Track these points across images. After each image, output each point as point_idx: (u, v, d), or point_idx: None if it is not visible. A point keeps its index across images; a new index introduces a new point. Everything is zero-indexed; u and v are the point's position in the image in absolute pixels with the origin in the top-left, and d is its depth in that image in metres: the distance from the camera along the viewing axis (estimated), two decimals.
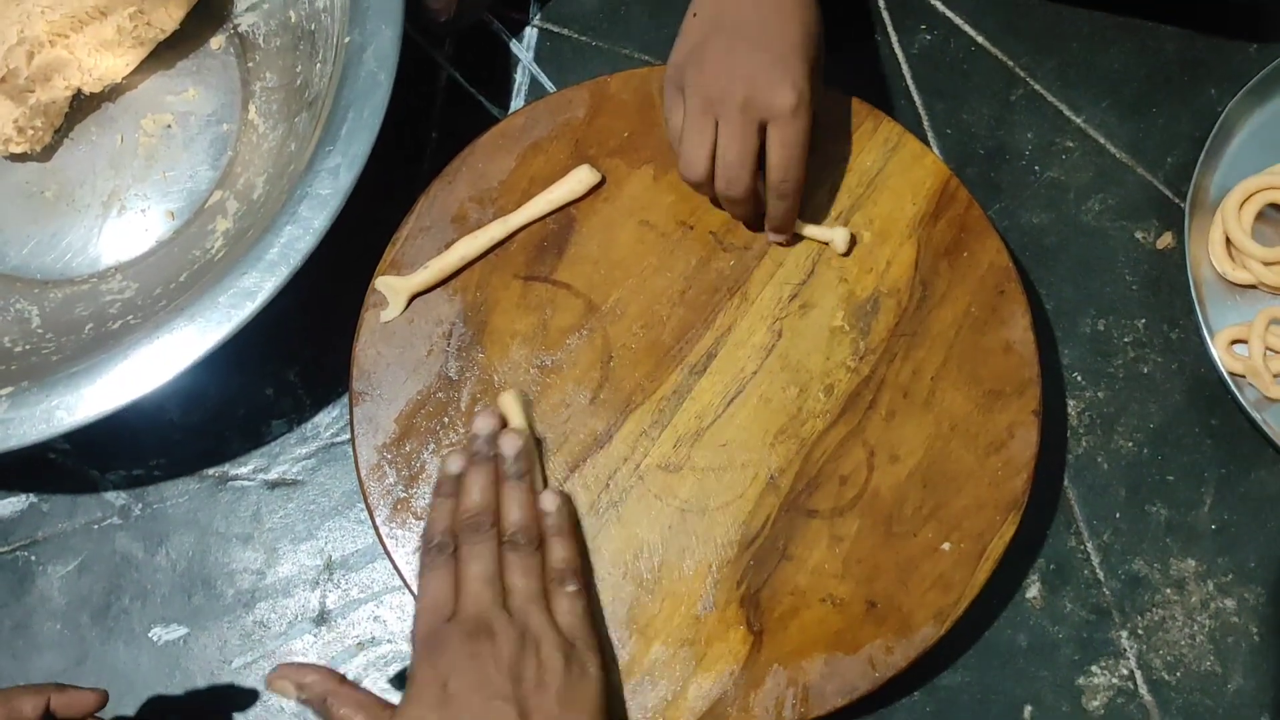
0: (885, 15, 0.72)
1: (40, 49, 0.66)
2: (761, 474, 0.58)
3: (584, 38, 0.72)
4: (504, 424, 0.57)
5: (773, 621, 0.55)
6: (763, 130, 0.55)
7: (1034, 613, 0.62)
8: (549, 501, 0.55)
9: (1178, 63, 0.70)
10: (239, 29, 0.71)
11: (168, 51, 0.70)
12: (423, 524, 0.58)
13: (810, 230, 0.60)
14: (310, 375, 0.66)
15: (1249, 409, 0.61)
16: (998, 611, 0.62)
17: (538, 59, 0.72)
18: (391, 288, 0.60)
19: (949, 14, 0.71)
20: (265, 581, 0.64)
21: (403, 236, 0.62)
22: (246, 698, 0.62)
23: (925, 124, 0.70)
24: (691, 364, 0.59)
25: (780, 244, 0.60)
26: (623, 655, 0.55)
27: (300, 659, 0.62)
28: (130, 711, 0.62)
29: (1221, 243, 0.65)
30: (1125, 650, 0.61)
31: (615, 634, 0.56)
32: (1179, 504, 0.63)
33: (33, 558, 0.65)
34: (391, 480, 0.58)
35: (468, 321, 0.60)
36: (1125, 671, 0.61)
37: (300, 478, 0.65)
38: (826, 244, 0.60)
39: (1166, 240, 0.67)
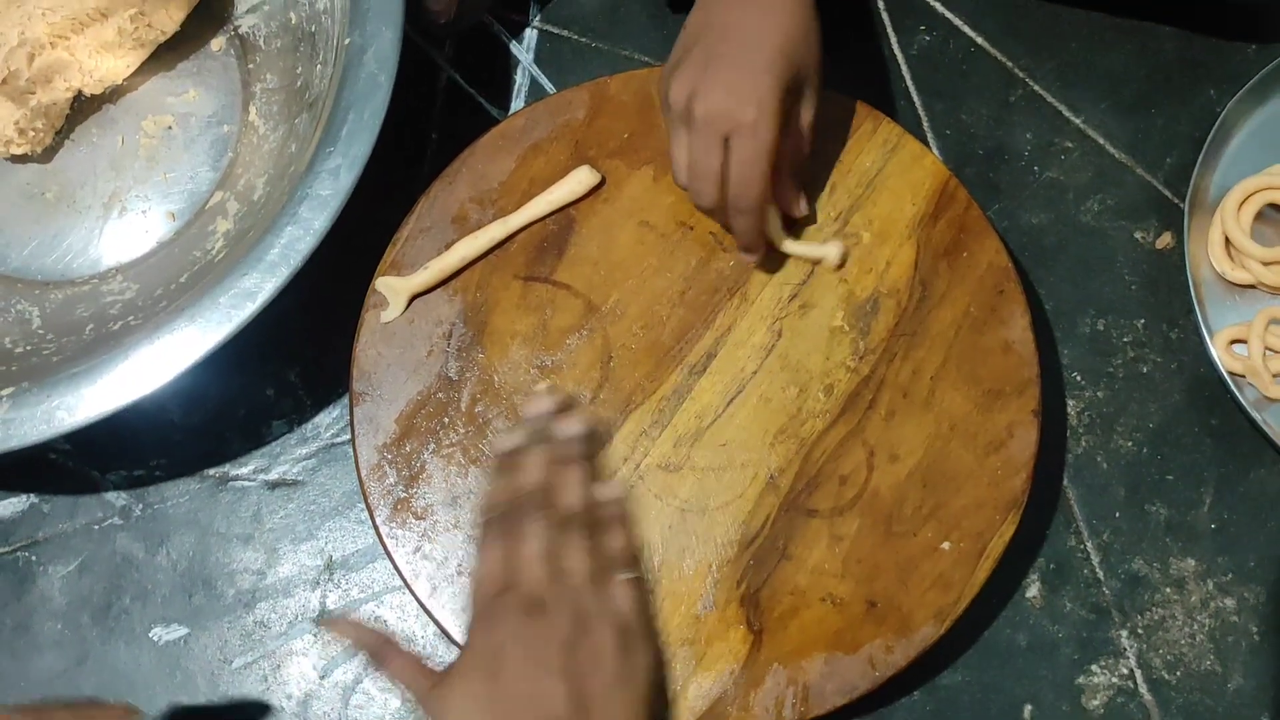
0: (885, 16, 0.72)
1: (41, 51, 0.67)
2: (761, 474, 0.58)
3: (584, 39, 0.72)
4: (563, 405, 0.57)
5: (772, 621, 0.56)
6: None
7: (1034, 612, 0.62)
8: (611, 490, 0.55)
9: (1177, 63, 0.70)
10: (239, 31, 0.71)
11: (168, 53, 0.71)
12: (422, 524, 0.58)
13: (796, 248, 0.60)
14: (311, 376, 0.67)
15: (1248, 408, 0.61)
16: (997, 611, 0.62)
17: (538, 60, 0.72)
18: (392, 288, 0.60)
19: (948, 15, 0.72)
20: (266, 582, 0.64)
21: (403, 237, 0.62)
22: (247, 697, 0.62)
23: (925, 125, 0.70)
24: (691, 364, 0.59)
25: (751, 262, 0.60)
26: None
27: (301, 659, 0.62)
28: None
29: (1221, 243, 0.65)
30: (1125, 649, 0.61)
31: None
32: (1179, 503, 0.63)
33: (33, 558, 0.65)
34: (392, 480, 0.59)
35: (468, 322, 0.61)
36: (1125, 671, 0.61)
37: (301, 478, 0.65)
38: (818, 262, 0.60)
39: (1166, 240, 0.67)
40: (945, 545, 0.56)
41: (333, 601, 0.63)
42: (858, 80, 0.67)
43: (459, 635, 0.56)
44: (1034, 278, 0.67)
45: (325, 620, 0.51)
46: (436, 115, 0.71)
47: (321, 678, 0.62)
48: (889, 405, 0.58)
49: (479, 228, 0.61)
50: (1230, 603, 0.62)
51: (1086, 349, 0.66)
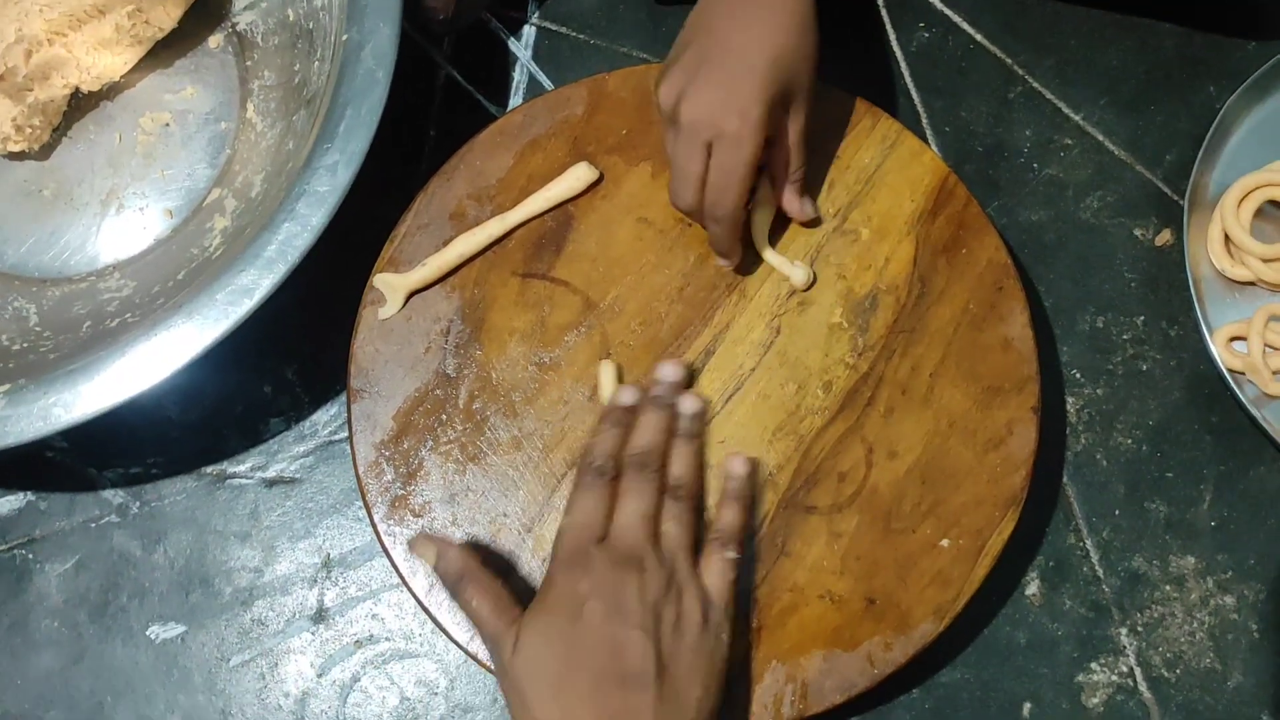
0: (884, 13, 0.72)
1: (38, 47, 0.66)
2: (760, 471, 0.58)
3: (582, 36, 0.72)
4: (687, 378, 0.58)
5: (771, 618, 0.55)
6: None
7: (1033, 610, 0.62)
8: (739, 466, 0.56)
9: (1176, 60, 0.70)
10: (237, 27, 0.71)
11: (166, 50, 0.70)
12: (420, 521, 0.58)
13: (772, 258, 0.60)
14: (308, 373, 0.66)
15: (1248, 406, 0.61)
16: (997, 608, 0.62)
17: (536, 57, 0.72)
18: (389, 285, 0.60)
19: (947, 12, 0.72)
20: (263, 579, 0.64)
21: (401, 234, 0.62)
22: (245, 695, 0.62)
23: (924, 121, 0.70)
24: (690, 361, 0.59)
25: (727, 268, 0.60)
26: None
27: (298, 657, 0.62)
28: (128, 710, 0.62)
29: (1220, 240, 0.65)
30: (1125, 647, 0.61)
31: None
32: (1178, 501, 0.63)
33: (30, 556, 0.65)
34: (389, 477, 0.58)
35: (466, 319, 0.60)
36: (1125, 669, 0.61)
37: (298, 475, 0.65)
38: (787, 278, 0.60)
39: (1165, 237, 0.67)
40: (944, 542, 0.56)
41: (330, 599, 0.63)
42: (857, 77, 0.67)
43: (456, 633, 0.56)
44: (1033, 275, 0.67)
45: (413, 539, 0.52)
46: (435, 112, 0.71)
47: (319, 676, 0.62)
48: (888, 402, 0.58)
49: (477, 224, 0.61)
50: (1230, 600, 0.62)
51: (1086, 346, 0.66)
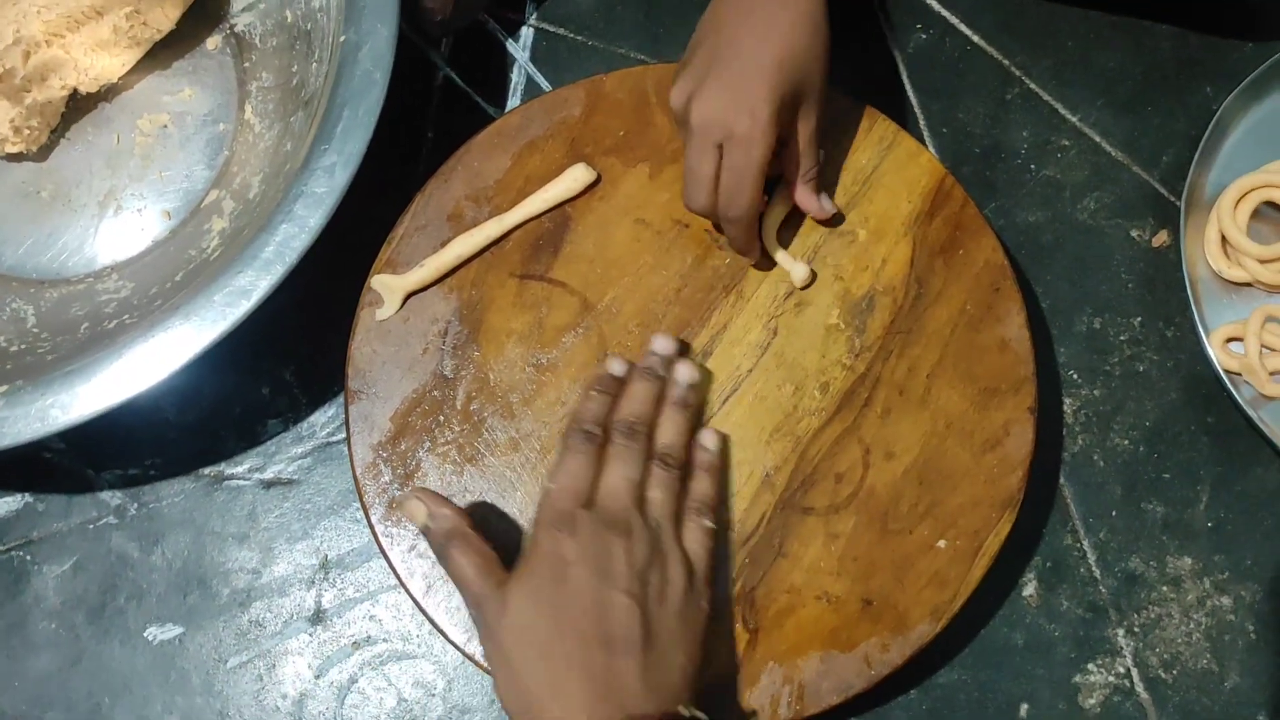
0: (881, 14, 0.72)
1: (36, 49, 0.66)
2: (757, 472, 0.58)
3: (580, 37, 0.72)
4: (682, 350, 0.58)
5: (768, 619, 0.55)
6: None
7: (1030, 610, 0.62)
8: (710, 438, 0.56)
9: (1173, 61, 0.70)
10: (235, 29, 0.71)
11: (164, 51, 0.70)
12: None
13: (780, 256, 0.60)
14: (306, 374, 0.66)
15: (1245, 407, 0.61)
16: (994, 609, 0.62)
17: (534, 58, 0.72)
18: (387, 286, 0.60)
19: (944, 13, 0.72)
20: (261, 581, 0.64)
21: (398, 235, 0.62)
22: (242, 697, 0.62)
23: (921, 123, 0.70)
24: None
25: (749, 263, 0.60)
26: None
27: (296, 658, 0.62)
28: (126, 712, 0.62)
29: (1217, 240, 0.65)
30: (1122, 648, 0.61)
31: None
32: (1175, 502, 0.63)
33: (28, 557, 0.65)
34: (387, 479, 0.58)
35: (463, 320, 0.60)
36: (1122, 669, 0.61)
37: (296, 477, 0.65)
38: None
39: (1162, 238, 0.67)
40: (941, 543, 0.56)
41: (328, 601, 0.63)
42: (854, 78, 0.67)
43: (454, 635, 0.56)
44: (1030, 276, 0.67)
45: (401, 497, 0.52)
46: (432, 113, 0.71)
47: (317, 677, 0.62)
48: (885, 403, 0.58)
49: (474, 225, 0.61)
50: (1227, 601, 0.62)
51: (1083, 347, 0.66)
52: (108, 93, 0.70)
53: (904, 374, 0.59)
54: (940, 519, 0.56)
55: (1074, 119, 0.70)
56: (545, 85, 0.71)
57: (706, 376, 0.59)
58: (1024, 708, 0.61)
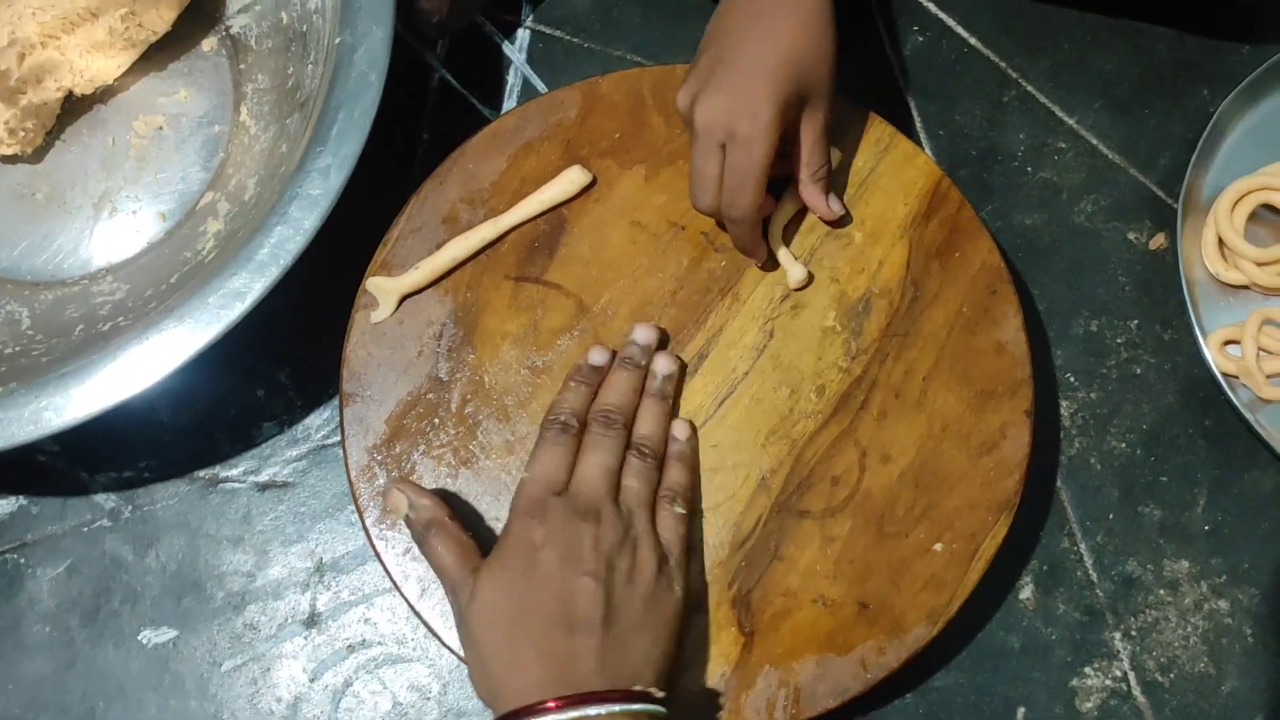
0: (878, 16, 0.71)
1: (31, 50, 0.66)
2: (753, 475, 0.57)
3: (576, 39, 0.72)
4: (663, 341, 0.59)
5: (764, 622, 0.55)
6: None
7: (1027, 614, 0.62)
8: (683, 429, 0.57)
9: (1170, 63, 0.70)
10: (231, 31, 0.71)
11: (159, 53, 0.70)
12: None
13: (782, 255, 0.60)
14: (301, 376, 0.66)
15: (1242, 410, 0.61)
16: (990, 613, 0.62)
17: (530, 60, 0.72)
18: (382, 289, 0.60)
19: (941, 15, 0.71)
20: (255, 584, 0.64)
21: (393, 237, 0.61)
22: (237, 700, 0.62)
23: (918, 125, 0.69)
24: (683, 365, 0.59)
25: (755, 264, 0.60)
26: None
27: (290, 661, 0.62)
28: (120, 715, 0.62)
29: (1214, 243, 0.65)
30: (1118, 652, 0.61)
31: None
32: (1172, 505, 0.63)
33: (22, 560, 0.64)
34: (382, 481, 0.58)
35: (458, 322, 0.60)
36: (1119, 673, 0.61)
37: (291, 480, 0.65)
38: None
39: (1159, 241, 0.67)
40: (937, 546, 0.56)
41: (323, 604, 0.63)
42: (850, 80, 0.67)
43: (449, 638, 0.56)
44: (1027, 278, 0.67)
45: (388, 488, 0.54)
46: (428, 115, 0.71)
47: (311, 681, 0.62)
48: (881, 406, 0.58)
49: (470, 228, 0.61)
50: (1224, 605, 0.62)
51: (1080, 350, 0.66)
52: (103, 95, 0.70)
53: (900, 377, 0.58)
54: (937, 522, 0.56)
55: (1071, 121, 0.69)
56: (541, 87, 0.71)
57: (683, 368, 0.59)
58: (1021, 711, 0.60)
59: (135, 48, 0.69)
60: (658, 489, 0.55)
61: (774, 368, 0.59)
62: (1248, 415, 0.61)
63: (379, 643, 0.62)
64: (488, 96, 0.71)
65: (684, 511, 0.55)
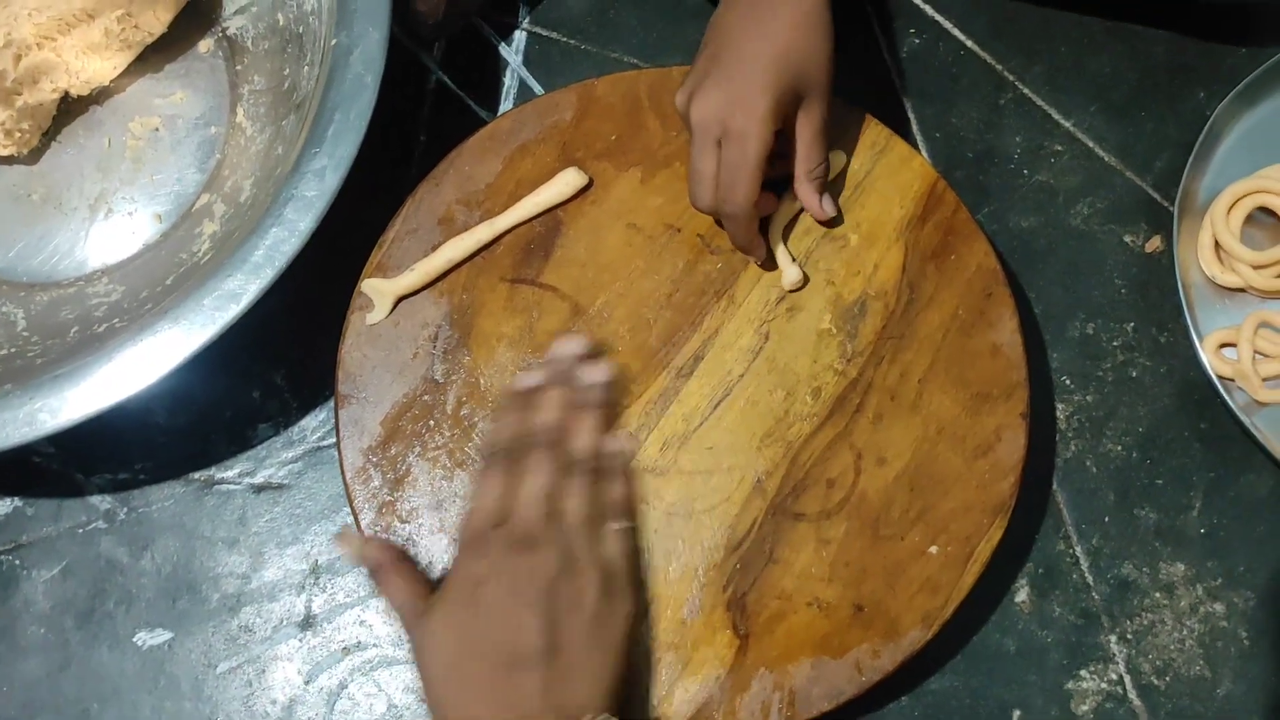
0: (875, 19, 0.71)
1: (27, 52, 0.66)
2: (748, 477, 0.57)
3: (573, 41, 0.72)
4: (592, 351, 0.58)
5: (759, 625, 0.55)
6: None
7: (1022, 617, 0.62)
8: (616, 441, 0.56)
9: (1166, 67, 0.70)
10: (227, 32, 0.71)
11: (155, 55, 0.70)
12: (407, 528, 0.57)
13: (780, 254, 0.60)
14: (296, 378, 0.66)
15: (1238, 413, 0.61)
16: (986, 615, 0.62)
17: (526, 62, 0.72)
18: (377, 290, 0.60)
19: (938, 18, 0.71)
20: (250, 586, 0.64)
21: (389, 239, 0.61)
22: (232, 703, 0.62)
23: (914, 127, 0.69)
24: (678, 367, 0.59)
25: (754, 261, 0.60)
26: None
27: (285, 663, 0.62)
28: (115, 717, 0.62)
29: (1210, 246, 0.65)
30: (1114, 655, 0.61)
31: None
32: (1168, 508, 0.63)
33: (17, 562, 0.64)
34: (377, 484, 0.58)
35: (454, 324, 0.60)
36: (1114, 676, 0.61)
37: (286, 481, 0.65)
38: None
39: (1155, 244, 0.67)
40: (933, 549, 0.56)
41: (318, 606, 0.63)
42: (847, 82, 0.67)
43: None
44: (1023, 281, 0.67)
45: (338, 535, 0.55)
46: (424, 117, 0.71)
47: (306, 683, 0.62)
48: (876, 408, 0.58)
49: (465, 230, 0.61)
50: (1220, 608, 0.62)
51: (1076, 352, 0.66)
52: (99, 96, 0.70)
53: (896, 379, 0.58)
54: (932, 525, 0.56)
55: (1067, 124, 0.69)
56: (538, 89, 0.71)
57: (618, 372, 0.58)
58: (1016, 714, 0.60)
59: (131, 49, 0.69)
60: (598, 504, 0.54)
61: (769, 370, 0.59)
62: (1243, 418, 0.61)
63: (374, 645, 0.62)
64: (484, 98, 0.71)
65: (625, 526, 0.54)
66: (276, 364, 0.66)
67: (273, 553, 0.64)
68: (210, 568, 0.64)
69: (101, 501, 0.65)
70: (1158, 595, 0.62)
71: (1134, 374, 0.65)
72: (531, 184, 0.62)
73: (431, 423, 0.59)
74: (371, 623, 0.63)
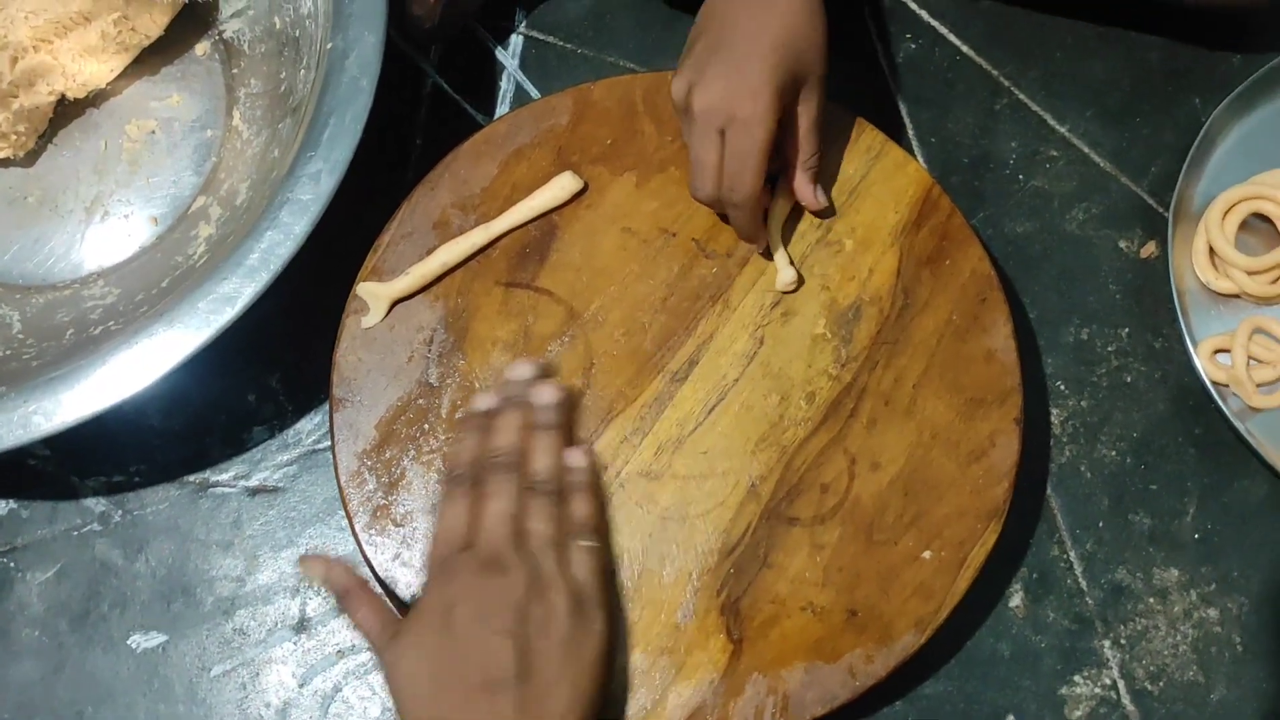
0: (870, 24, 0.72)
1: (24, 54, 0.66)
2: (743, 482, 0.57)
3: (569, 45, 0.72)
4: (543, 373, 0.58)
5: (753, 630, 0.55)
6: None
7: (1016, 622, 0.62)
8: (577, 457, 0.56)
9: (1161, 72, 0.70)
10: (224, 35, 0.71)
11: (152, 57, 0.70)
12: (402, 531, 0.57)
13: (779, 256, 0.60)
14: (292, 381, 0.66)
15: (1232, 419, 0.61)
16: (980, 620, 0.62)
17: (523, 66, 0.72)
18: (373, 294, 0.60)
19: (934, 23, 0.72)
20: (245, 589, 0.64)
21: (384, 243, 0.61)
22: (226, 706, 0.62)
23: (910, 132, 0.70)
24: (673, 371, 0.59)
25: (756, 251, 0.60)
26: None
27: (280, 667, 0.62)
28: None
29: (1205, 252, 0.65)
30: (1108, 660, 0.61)
31: None
32: (1162, 513, 0.63)
33: (11, 564, 0.64)
34: (371, 487, 0.58)
35: (449, 328, 0.60)
36: (1108, 681, 0.61)
37: (281, 484, 0.65)
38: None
39: (1150, 249, 0.67)
40: (926, 554, 0.56)
41: (312, 609, 0.63)
42: (842, 87, 0.67)
43: None
44: (1018, 286, 0.67)
45: (302, 558, 0.55)
46: (420, 120, 0.71)
47: (301, 686, 0.62)
48: (871, 413, 0.58)
49: (461, 233, 0.61)
50: (1213, 613, 0.62)
51: (1070, 358, 0.66)
52: (96, 98, 0.70)
53: (890, 384, 0.58)
54: (926, 530, 0.56)
55: (1063, 129, 0.70)
56: (534, 93, 0.71)
57: (572, 392, 0.58)
58: (1010, 719, 0.60)
59: (128, 52, 0.69)
60: (564, 523, 0.53)
61: (764, 375, 0.59)
62: (1238, 424, 0.61)
63: (368, 648, 0.62)
64: (481, 102, 0.71)
65: (592, 544, 0.53)
66: (272, 367, 0.66)
67: (267, 556, 0.64)
68: (205, 571, 0.64)
69: (96, 504, 0.65)
70: (1151, 600, 0.62)
71: (1128, 379, 0.65)
72: (527, 188, 0.62)
73: (426, 426, 0.59)
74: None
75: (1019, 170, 0.69)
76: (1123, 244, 0.68)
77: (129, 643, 0.63)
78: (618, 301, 0.60)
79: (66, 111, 0.70)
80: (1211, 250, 0.65)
